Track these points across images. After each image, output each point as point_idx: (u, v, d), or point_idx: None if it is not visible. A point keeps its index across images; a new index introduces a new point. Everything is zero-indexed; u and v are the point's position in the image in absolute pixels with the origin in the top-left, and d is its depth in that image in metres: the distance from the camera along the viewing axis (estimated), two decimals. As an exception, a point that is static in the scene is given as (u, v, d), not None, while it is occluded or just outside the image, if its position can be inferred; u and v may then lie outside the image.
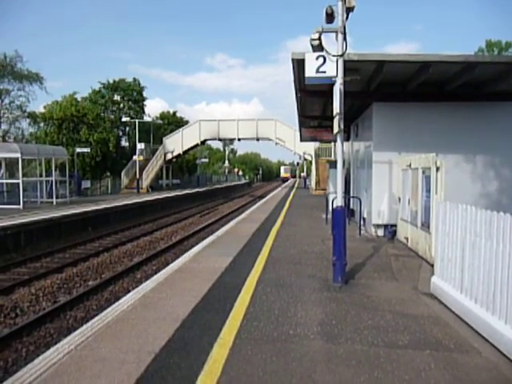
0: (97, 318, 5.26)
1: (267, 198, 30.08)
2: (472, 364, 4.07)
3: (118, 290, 9.92)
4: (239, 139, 38.05)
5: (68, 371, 3.83)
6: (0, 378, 5.61)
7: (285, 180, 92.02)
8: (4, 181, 22.95)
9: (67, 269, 11.83)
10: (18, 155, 21.09)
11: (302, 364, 3.99)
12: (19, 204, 20.50)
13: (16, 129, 42.07)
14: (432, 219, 8.00)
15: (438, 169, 8.09)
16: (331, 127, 7.42)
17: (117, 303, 5.92)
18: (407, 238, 10.01)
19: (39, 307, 8.77)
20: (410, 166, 9.79)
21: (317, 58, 6.69)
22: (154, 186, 38.51)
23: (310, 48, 6.80)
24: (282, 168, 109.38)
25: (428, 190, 8.59)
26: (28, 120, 41.81)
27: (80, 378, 3.69)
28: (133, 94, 46.99)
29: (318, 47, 6.66)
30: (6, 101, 40.65)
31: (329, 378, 3.73)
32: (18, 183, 21.06)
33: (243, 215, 17.24)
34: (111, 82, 46.17)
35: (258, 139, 37.56)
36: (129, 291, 7.79)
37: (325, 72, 6.68)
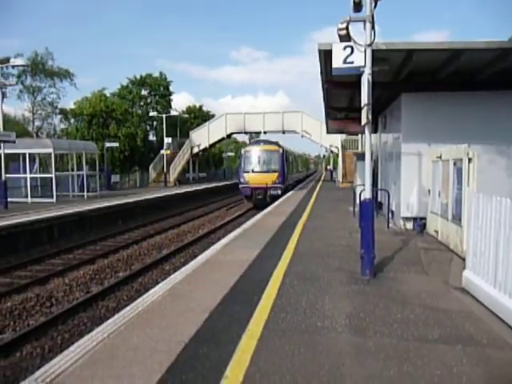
0: (128, 308, 5.40)
1: (293, 190, 29.94)
2: (506, 360, 3.97)
3: (148, 282, 10.14)
4: (265, 132, 37.98)
5: (102, 359, 3.96)
6: (37, 364, 5.85)
7: (258, 194, 23.85)
8: (38, 175, 23.71)
9: (99, 260, 12.17)
10: (51, 150, 21.78)
11: (330, 356, 3.98)
12: (52, 198, 21.19)
13: (48, 125, 43.43)
14: (464, 212, 7.80)
15: (470, 160, 7.87)
16: (358, 119, 7.30)
17: (147, 294, 6.05)
18: (437, 232, 9.80)
19: (73, 297, 9.07)
20: (440, 157, 9.55)
21: (344, 49, 6.59)
22: (181, 180, 38.98)
23: (337, 39, 6.69)
24: (256, 149, 25.38)
25: (459, 182, 8.37)
26: (59, 116, 43.04)
27: (113, 366, 3.81)
28: (160, 88, 47.66)
29: (346, 37, 6.55)
30: (39, 98, 41.98)
31: (357, 371, 3.71)
32: (51, 177, 21.75)
33: (269, 208, 17.24)
34: (138, 77, 46.92)
35: (283, 132, 37.40)
36: (158, 282, 7.94)
37: (352, 62, 6.57)
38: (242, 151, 25.83)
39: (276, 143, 26.22)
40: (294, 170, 35.98)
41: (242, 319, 4.87)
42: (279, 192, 23.54)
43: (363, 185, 7.41)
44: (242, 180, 24.44)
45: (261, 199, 23.57)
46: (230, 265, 7.54)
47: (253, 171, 24.29)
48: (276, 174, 24.12)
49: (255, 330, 4.59)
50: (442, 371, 3.72)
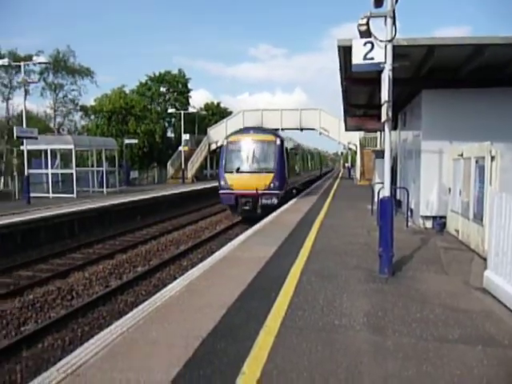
0: (146, 303, 5.47)
1: (310, 188, 29.82)
2: (528, 362, 3.89)
3: (166, 277, 10.25)
4: (282, 129, 37.83)
5: (121, 352, 4.02)
6: (58, 356, 5.98)
7: (244, 203, 17.33)
8: (59, 171, 24.16)
9: (118, 255, 12.35)
10: (72, 146, 22.19)
11: (348, 355, 3.96)
12: (73, 193, 21.59)
13: (69, 121, 44.23)
14: (485, 211, 7.65)
15: (492, 158, 7.70)
16: (377, 116, 7.23)
17: (165, 289, 6.12)
18: (458, 231, 9.64)
19: (93, 291, 9.23)
20: (461, 155, 9.38)
21: (364, 44, 6.51)
22: (199, 176, 39.21)
23: (356, 35, 6.63)
24: (243, 140, 18.19)
25: (481, 181, 8.21)
26: (80, 113, 43.77)
27: (133, 359, 3.87)
28: (178, 85, 48.00)
29: (366, 33, 6.48)
30: (60, 95, 42.75)
31: (376, 370, 3.68)
32: (72, 173, 22.16)
33: (286, 205, 17.20)
34: (157, 74, 47.35)
35: (301, 129, 37.24)
36: (176, 278, 8.02)
37: (373, 58, 6.49)
38: (224, 142, 18.74)
39: (273, 132, 19.77)
40: (303, 169, 27.32)
41: (260, 315, 4.88)
42: (275, 201, 17.03)
43: (382, 183, 7.34)
44: (222, 183, 17.61)
45: (249, 210, 17.22)
46: (248, 261, 7.55)
47: (238, 171, 17.34)
48: (271, 176, 17.16)
49: (272, 326, 4.59)
50: (463, 372, 3.66)
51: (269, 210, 15.85)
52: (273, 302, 5.33)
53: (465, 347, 4.14)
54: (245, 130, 19.56)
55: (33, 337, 6.73)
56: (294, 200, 19.10)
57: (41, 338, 6.74)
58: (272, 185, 17.12)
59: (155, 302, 5.47)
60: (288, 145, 19.73)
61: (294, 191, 21.24)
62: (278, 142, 17.88)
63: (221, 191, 17.72)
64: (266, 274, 6.68)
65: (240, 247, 8.89)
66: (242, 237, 10.18)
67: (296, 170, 22.68)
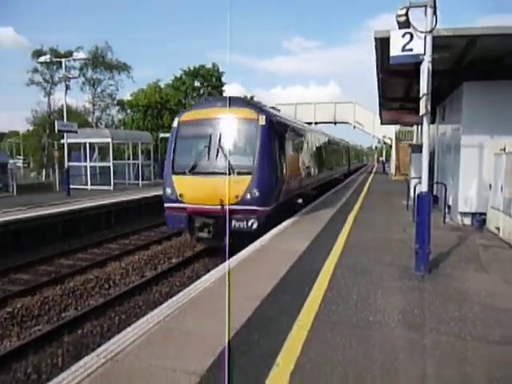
0: (182, 293, 5.58)
1: (344, 182, 29.43)
2: None
3: (199, 269, 10.40)
4: (316, 123, 37.48)
5: (157, 341, 4.13)
6: (97, 342, 6.21)
7: (202, 227, 10.23)
8: (97, 164, 24.91)
9: (153, 246, 12.63)
10: (109, 140, 22.80)
11: (383, 351, 3.91)
12: (110, 185, 22.21)
13: (107, 115, 45.32)
14: (529, 208, 7.34)
15: (538, 153, 7.37)
16: (414, 109, 7.05)
17: (199, 280, 6.21)
18: (498, 228, 9.29)
19: (129, 280, 9.49)
20: (504, 149, 9.01)
21: (403, 36, 6.34)
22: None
23: (392, 26, 6.48)
24: (205, 117, 10.67)
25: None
26: (117, 107, 44.80)
27: (168, 348, 3.96)
28: (212, 79, 48.31)
29: (405, 23, 6.31)
30: (98, 90, 43.86)
31: (412, 368, 3.62)
32: (109, 166, 22.80)
33: (320, 199, 17.04)
34: (192, 68, 47.84)
35: (335, 123, 36.78)
36: (209, 270, 8.13)
37: (411, 50, 6.32)
38: (175, 123, 11.35)
39: (254, 105, 12.05)
40: (316, 166, 17.61)
41: (293, 309, 4.89)
42: (254, 224, 10.08)
43: (418, 178, 7.15)
44: (167, 191, 10.79)
45: (209, 237, 10.53)
46: (281, 255, 7.55)
47: (193, 172, 10.54)
48: (247, 180, 10.06)
49: (306, 320, 4.59)
50: (503, 374, 3.55)
51: (247, 236, 9.51)
52: (306, 297, 5.32)
53: (506, 348, 4.02)
54: (209, 102, 12.71)
55: (73, 323, 7.01)
56: (326, 194, 18.83)
57: (81, 325, 7.02)
58: (249, 195, 10.04)
59: (189, 292, 5.57)
60: (283, 127, 12.31)
61: (300, 201, 13.80)
62: (263, 121, 10.40)
63: (166, 205, 10.92)
64: (299, 268, 6.67)
65: (273, 241, 8.89)
66: (274, 231, 10.15)
67: (301, 168, 14.50)
